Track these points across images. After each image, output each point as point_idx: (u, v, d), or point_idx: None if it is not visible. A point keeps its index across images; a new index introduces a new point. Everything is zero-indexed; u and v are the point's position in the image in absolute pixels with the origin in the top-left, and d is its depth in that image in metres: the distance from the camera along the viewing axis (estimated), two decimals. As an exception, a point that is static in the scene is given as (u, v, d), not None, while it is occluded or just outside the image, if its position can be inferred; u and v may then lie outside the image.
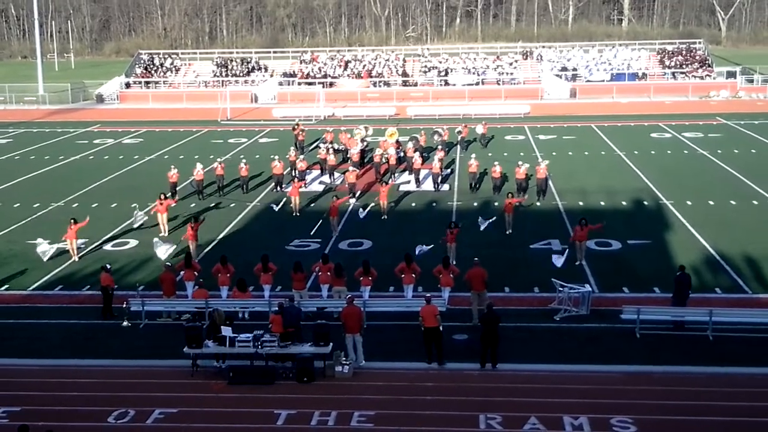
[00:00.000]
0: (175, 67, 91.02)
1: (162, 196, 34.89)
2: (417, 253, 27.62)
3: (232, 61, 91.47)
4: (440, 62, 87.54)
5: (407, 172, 44.39)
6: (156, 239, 31.35)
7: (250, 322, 23.86)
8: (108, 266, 26.17)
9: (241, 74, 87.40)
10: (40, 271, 29.95)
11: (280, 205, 37.63)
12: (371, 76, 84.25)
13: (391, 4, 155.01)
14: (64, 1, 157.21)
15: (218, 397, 20.06)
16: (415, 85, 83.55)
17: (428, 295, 22.81)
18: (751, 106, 72.76)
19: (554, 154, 50.52)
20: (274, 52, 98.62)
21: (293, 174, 42.72)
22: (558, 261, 27.74)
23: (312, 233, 33.09)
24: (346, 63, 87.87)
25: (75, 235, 31.21)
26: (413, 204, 39.11)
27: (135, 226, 35.08)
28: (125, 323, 24.70)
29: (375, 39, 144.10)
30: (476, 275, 24.39)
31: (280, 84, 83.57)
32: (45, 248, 31.27)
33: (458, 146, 52.40)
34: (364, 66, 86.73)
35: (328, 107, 71.49)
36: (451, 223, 30.59)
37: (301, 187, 39.05)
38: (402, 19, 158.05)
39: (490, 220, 32.61)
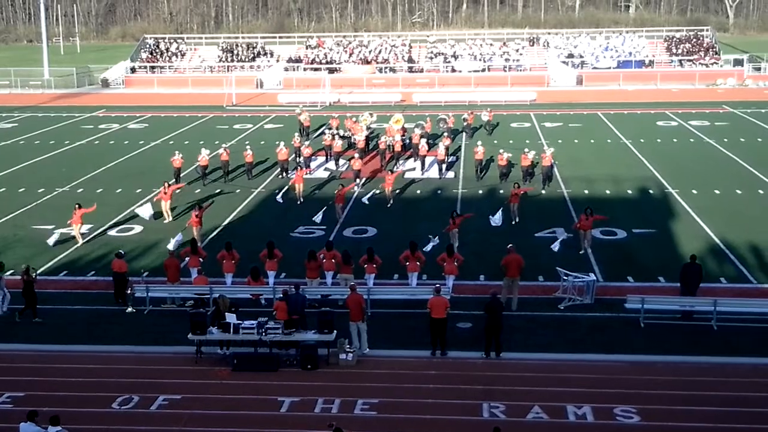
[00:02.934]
0: (180, 51, 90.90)
1: (166, 185, 34.79)
2: (427, 249, 27.47)
3: (237, 46, 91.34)
4: (446, 48, 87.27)
5: (413, 159, 44.32)
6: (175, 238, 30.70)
7: (255, 309, 23.82)
8: (122, 252, 26.21)
9: (247, 59, 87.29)
10: (45, 256, 29.96)
11: (281, 194, 37.58)
12: (377, 62, 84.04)
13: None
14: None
15: (222, 383, 20.08)
16: (421, 71, 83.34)
17: (437, 285, 22.78)
18: (758, 94, 72.53)
19: (560, 141, 50.42)
20: (280, 38, 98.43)
21: (297, 160, 42.66)
22: (555, 246, 27.91)
23: (318, 220, 32.88)
24: (352, 50, 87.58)
25: (80, 221, 31.23)
26: (418, 191, 39.05)
27: (147, 218, 34.59)
28: (130, 309, 24.74)
29: (381, 24, 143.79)
30: (513, 261, 24.33)
31: (286, 69, 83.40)
32: (52, 237, 31.40)
33: (464, 133, 52.28)
34: (370, 52, 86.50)
35: (334, 93, 71.35)
36: (453, 213, 30.47)
37: (305, 174, 39.01)
38: (408, 4, 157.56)
39: (500, 215, 32.40)
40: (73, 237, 31.37)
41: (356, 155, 41.61)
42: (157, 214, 34.29)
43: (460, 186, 39.83)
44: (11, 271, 28.20)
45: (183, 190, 37.94)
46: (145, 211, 34.52)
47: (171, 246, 28.83)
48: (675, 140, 51.06)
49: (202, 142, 49.09)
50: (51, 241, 31.17)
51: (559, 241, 28.52)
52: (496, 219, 32.04)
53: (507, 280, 24.41)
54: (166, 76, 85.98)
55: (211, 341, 21.51)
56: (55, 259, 29.59)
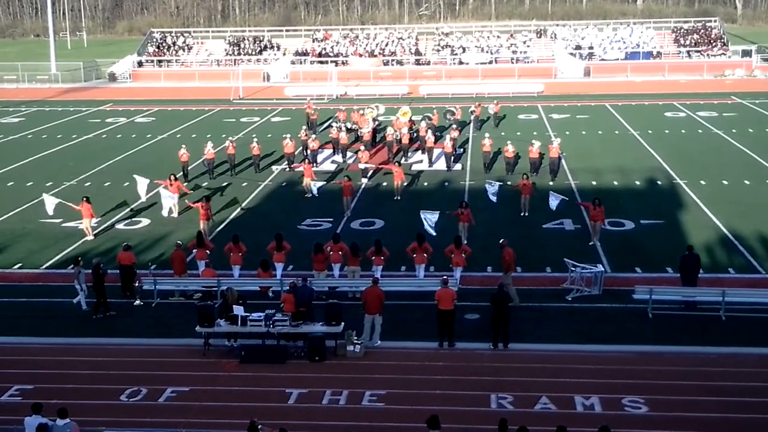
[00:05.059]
0: (187, 45, 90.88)
1: (172, 177, 34.76)
2: (426, 225, 27.73)
3: (244, 39, 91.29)
4: (454, 41, 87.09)
5: (420, 152, 44.28)
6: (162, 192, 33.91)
7: (262, 301, 23.83)
8: (128, 245, 26.34)
9: (254, 53, 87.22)
10: (53, 249, 30.04)
11: (317, 187, 37.49)
12: (383, 55, 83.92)
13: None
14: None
15: (230, 375, 20.13)
16: (428, 63, 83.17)
17: (445, 276, 22.74)
18: (766, 85, 72.17)
19: (567, 133, 50.28)
20: (287, 31, 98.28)
21: (304, 153, 42.66)
22: (553, 203, 30.33)
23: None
24: (353, 42, 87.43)
25: (90, 214, 31.22)
26: (425, 183, 39.00)
27: (143, 188, 35.92)
28: (138, 302, 24.80)
29: (388, 17, 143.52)
30: (513, 256, 24.32)
31: (293, 63, 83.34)
32: (51, 202, 33.03)
33: (471, 125, 52.20)
34: (377, 44, 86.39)
35: (341, 86, 71.29)
36: (462, 202, 30.43)
37: (312, 167, 38.94)
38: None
39: (497, 185, 33.29)
40: (81, 228, 31.45)
41: (362, 147, 41.55)
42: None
43: (467, 178, 39.77)
44: (19, 264, 28.38)
45: (189, 183, 38.00)
46: (143, 183, 36.07)
47: (165, 207, 33.09)
48: (683, 131, 50.89)
49: (209, 136, 49.03)
50: (48, 202, 33.09)
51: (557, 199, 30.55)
52: (492, 192, 32.83)
53: (507, 276, 24.25)
54: (173, 69, 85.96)
55: (219, 333, 21.56)
56: (63, 253, 29.65)
